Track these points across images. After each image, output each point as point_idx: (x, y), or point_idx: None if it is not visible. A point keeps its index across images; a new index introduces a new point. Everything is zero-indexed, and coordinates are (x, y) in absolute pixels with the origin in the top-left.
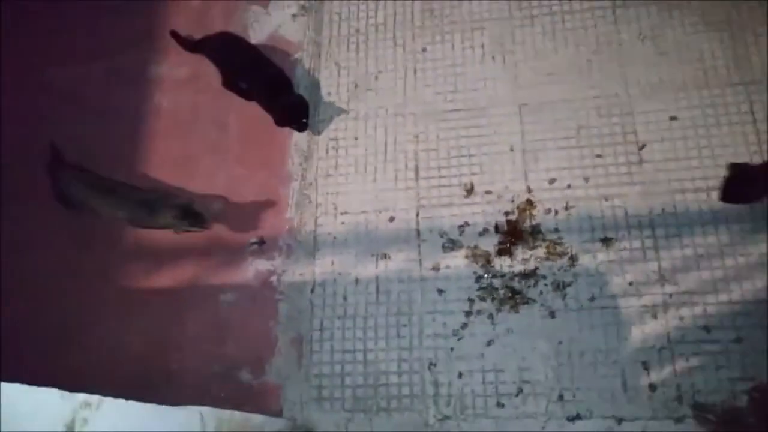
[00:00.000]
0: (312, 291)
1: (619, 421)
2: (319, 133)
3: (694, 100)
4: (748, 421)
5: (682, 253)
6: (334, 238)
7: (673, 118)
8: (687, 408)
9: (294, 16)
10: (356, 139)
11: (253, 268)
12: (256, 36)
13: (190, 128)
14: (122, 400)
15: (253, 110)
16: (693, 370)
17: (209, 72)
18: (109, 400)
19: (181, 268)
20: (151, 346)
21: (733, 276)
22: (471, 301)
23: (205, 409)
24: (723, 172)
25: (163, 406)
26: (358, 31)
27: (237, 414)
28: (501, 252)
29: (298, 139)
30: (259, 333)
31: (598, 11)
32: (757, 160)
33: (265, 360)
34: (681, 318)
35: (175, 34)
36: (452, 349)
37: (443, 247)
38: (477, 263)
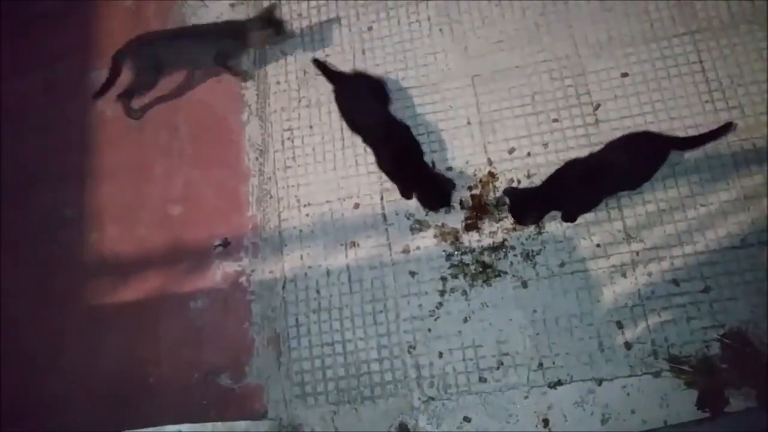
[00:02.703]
0: (283, 288)
1: (599, 382)
2: (272, 125)
3: (643, 55)
4: (721, 367)
5: (645, 209)
6: (300, 231)
7: (624, 75)
8: (663, 362)
9: (233, 5)
10: (311, 127)
11: (221, 271)
12: None
13: (139, 134)
14: None
15: (202, 109)
16: (665, 324)
17: None
18: None
19: (147, 279)
20: (126, 362)
21: (696, 227)
22: (444, 279)
23: (185, 426)
24: (679, 124)
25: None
26: (300, 15)
27: (219, 425)
28: (468, 227)
29: (252, 133)
30: (234, 336)
31: None
32: (709, 109)
33: (244, 362)
34: (650, 274)
35: (319, 64)
36: (430, 329)
37: (411, 228)
38: (446, 241)
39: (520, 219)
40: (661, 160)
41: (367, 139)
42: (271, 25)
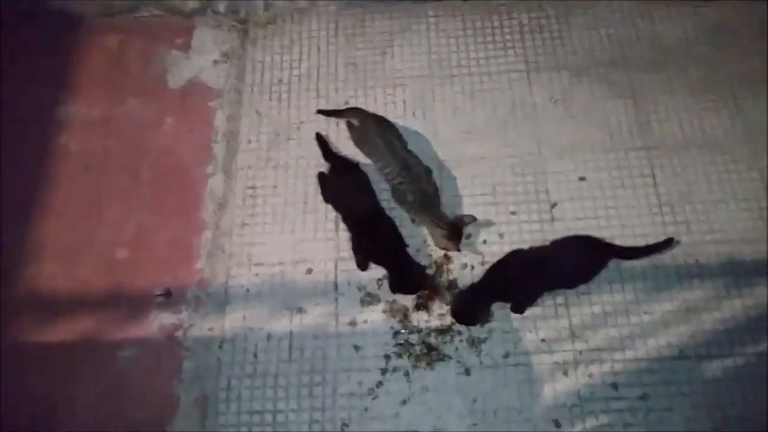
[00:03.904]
0: (220, 347)
1: None
2: (236, 181)
3: (600, 162)
4: None
5: (591, 310)
6: (248, 290)
7: (582, 179)
8: None
9: (216, 62)
10: (275, 188)
11: (158, 321)
12: (175, 81)
13: (99, 173)
14: None
15: (168, 157)
16: (602, 428)
17: (122, 114)
18: None
19: (78, 320)
20: (41, 407)
21: (638, 333)
22: (387, 357)
23: None
24: (629, 232)
25: None
26: (281, 81)
27: None
28: (419, 306)
29: (215, 186)
30: (160, 392)
31: (514, 74)
32: (657, 221)
33: (165, 422)
34: (590, 375)
35: (320, 139)
36: (366, 409)
37: (361, 301)
38: (395, 318)
39: (468, 323)
40: (600, 266)
41: (350, 222)
42: (452, 232)
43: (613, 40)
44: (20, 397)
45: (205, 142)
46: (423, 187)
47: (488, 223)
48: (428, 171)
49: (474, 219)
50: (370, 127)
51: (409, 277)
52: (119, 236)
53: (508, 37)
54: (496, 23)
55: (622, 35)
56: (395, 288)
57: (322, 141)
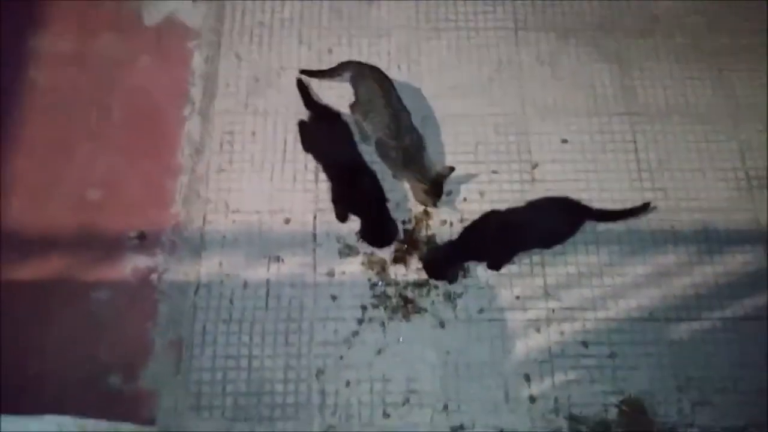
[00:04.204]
0: (196, 292)
1: (500, 431)
2: (213, 125)
3: (583, 125)
4: None
5: (566, 270)
6: (224, 237)
7: (564, 141)
8: (563, 420)
9: (194, 1)
10: (254, 134)
11: (132, 264)
12: (151, 18)
13: (68, 110)
14: None
15: (142, 96)
16: (570, 384)
17: (94, 50)
18: None
19: (49, 260)
20: (9, 349)
21: (610, 294)
22: (364, 308)
23: (65, 419)
24: (607, 196)
25: (17, 417)
26: (262, 23)
27: (103, 423)
28: (396, 260)
29: (191, 130)
30: (134, 335)
31: (501, 32)
32: (636, 187)
33: (139, 365)
34: (562, 333)
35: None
36: (341, 357)
37: (339, 252)
38: (372, 270)
39: (436, 276)
40: (575, 227)
41: (331, 173)
42: (432, 188)
43: (603, 4)
44: None
45: (182, 83)
46: (407, 144)
47: (469, 181)
48: (415, 129)
49: (452, 169)
50: (366, 74)
51: (381, 231)
52: (90, 176)
53: None
54: None
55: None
56: (366, 240)
57: (303, 88)
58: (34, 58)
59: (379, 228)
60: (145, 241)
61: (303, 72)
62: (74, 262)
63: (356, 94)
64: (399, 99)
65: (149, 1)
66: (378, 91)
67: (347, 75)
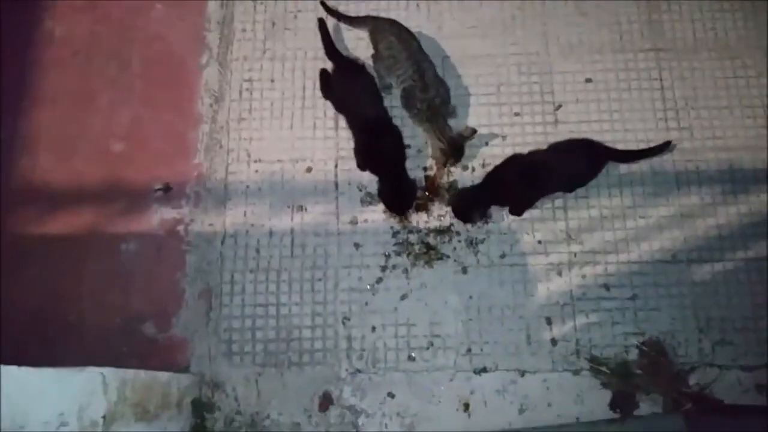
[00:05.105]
0: (222, 242)
1: (522, 373)
2: (231, 73)
3: (608, 63)
4: (636, 373)
5: (588, 213)
6: (247, 187)
7: (588, 80)
8: (584, 361)
9: None
10: (272, 81)
11: (158, 216)
12: None
13: (87, 61)
14: (14, 367)
15: (159, 45)
16: (591, 326)
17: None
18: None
19: (78, 213)
20: (46, 299)
21: (632, 237)
22: (387, 256)
23: (107, 370)
24: (631, 137)
25: (61, 370)
26: None
27: (141, 373)
28: (418, 207)
29: (209, 78)
30: (164, 285)
31: None
32: (661, 126)
33: (171, 313)
34: (583, 276)
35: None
36: (366, 303)
37: (362, 201)
38: (394, 218)
39: (465, 219)
40: (596, 169)
41: (354, 126)
42: (451, 148)
43: None
44: (24, 288)
45: (198, 30)
46: (431, 96)
47: (491, 125)
48: (442, 81)
49: (474, 132)
50: (386, 28)
51: (398, 197)
52: (113, 128)
53: None
54: None
55: None
56: (383, 202)
57: (325, 31)
58: (49, 8)
59: (396, 193)
60: (170, 193)
61: (324, 7)
62: (102, 214)
63: (376, 48)
64: (421, 50)
65: None
66: (398, 45)
67: (365, 29)
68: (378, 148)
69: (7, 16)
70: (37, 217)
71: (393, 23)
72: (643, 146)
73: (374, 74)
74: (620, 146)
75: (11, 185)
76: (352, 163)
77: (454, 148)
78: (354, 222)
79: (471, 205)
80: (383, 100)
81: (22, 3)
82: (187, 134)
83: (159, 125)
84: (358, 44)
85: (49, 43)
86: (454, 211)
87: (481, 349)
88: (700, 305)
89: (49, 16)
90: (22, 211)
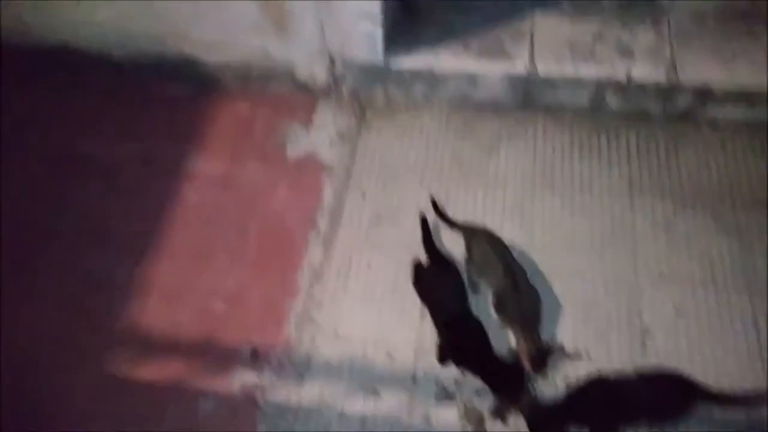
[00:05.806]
0: (294, 417)
1: None
2: (334, 254)
3: (699, 297)
4: None
5: None
6: (328, 363)
7: (677, 310)
8: None
9: (332, 140)
10: (369, 267)
11: (240, 379)
12: (293, 152)
13: (212, 226)
14: None
15: (276, 222)
16: None
17: (241, 175)
18: None
19: (168, 362)
20: None
21: None
22: None
23: None
24: (723, 376)
25: None
26: (388, 166)
27: None
28: (496, 414)
29: (313, 256)
30: None
31: (616, 194)
32: (758, 368)
33: None
34: None
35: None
36: None
37: (436, 396)
38: (469, 421)
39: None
40: (686, 406)
41: (437, 319)
42: (537, 357)
43: (722, 173)
44: (101, 426)
45: (312, 213)
46: (525, 306)
47: (576, 340)
48: (534, 289)
49: (563, 348)
50: (479, 235)
51: (509, 380)
52: (219, 288)
53: (614, 155)
54: (603, 141)
55: (731, 169)
56: (498, 395)
57: (426, 228)
58: (188, 176)
59: (505, 377)
60: (257, 359)
61: (434, 205)
62: (190, 369)
63: (470, 252)
64: (513, 257)
65: (294, 137)
66: (491, 251)
67: (460, 234)
68: (464, 339)
69: (154, 177)
70: (130, 359)
71: (486, 232)
72: (737, 388)
73: (464, 274)
74: (710, 384)
75: (116, 326)
76: (432, 356)
77: (540, 357)
78: (426, 418)
79: (548, 420)
80: (467, 298)
81: (172, 177)
82: (284, 304)
83: (260, 292)
84: (454, 244)
85: (183, 208)
86: (529, 424)
87: None
88: None
89: (188, 183)
90: (119, 351)
